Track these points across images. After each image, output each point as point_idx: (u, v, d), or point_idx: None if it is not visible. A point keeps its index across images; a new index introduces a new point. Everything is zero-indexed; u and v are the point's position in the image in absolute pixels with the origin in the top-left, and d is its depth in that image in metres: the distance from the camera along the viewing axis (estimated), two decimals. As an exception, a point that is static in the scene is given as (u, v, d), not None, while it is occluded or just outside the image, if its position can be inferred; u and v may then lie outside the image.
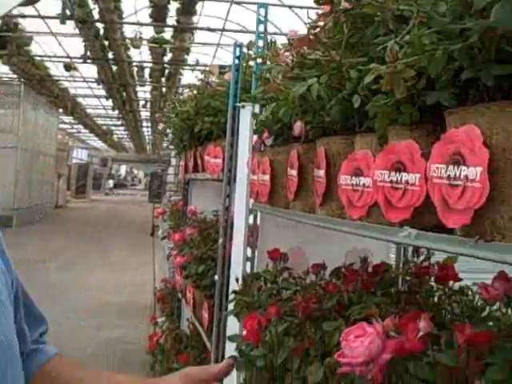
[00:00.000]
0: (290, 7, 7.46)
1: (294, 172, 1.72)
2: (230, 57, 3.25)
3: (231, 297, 2.26)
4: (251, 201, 2.38)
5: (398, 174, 1.07)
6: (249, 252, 2.53)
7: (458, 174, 0.85)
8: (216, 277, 3.04)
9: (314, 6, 1.54)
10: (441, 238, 0.93)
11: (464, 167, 0.84)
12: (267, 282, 2.13)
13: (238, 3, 8.15)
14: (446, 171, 0.87)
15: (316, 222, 1.52)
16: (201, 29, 10.23)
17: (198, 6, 9.94)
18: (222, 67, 4.19)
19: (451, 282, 1.68)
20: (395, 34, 1.19)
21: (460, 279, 1.67)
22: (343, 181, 1.33)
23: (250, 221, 2.51)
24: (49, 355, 1.06)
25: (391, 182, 1.09)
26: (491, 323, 1.51)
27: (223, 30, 9.67)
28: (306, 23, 1.64)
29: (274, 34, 3.05)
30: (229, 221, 3.00)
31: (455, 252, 0.89)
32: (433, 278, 1.79)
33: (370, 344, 0.98)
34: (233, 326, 2.37)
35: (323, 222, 1.47)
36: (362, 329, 1.03)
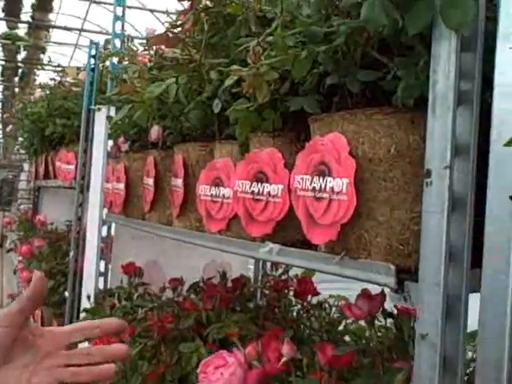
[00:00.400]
0: (152, 11, 7.29)
1: (150, 181, 1.59)
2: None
3: (82, 315, 2.08)
4: (105, 211, 2.22)
5: (259, 185, 0.99)
6: (102, 266, 2.35)
7: (323, 185, 0.78)
8: (66, 293, 2.81)
9: (175, 10, 1.43)
10: (305, 254, 0.86)
11: (330, 178, 0.78)
12: (121, 299, 1.97)
13: (97, 3, 7.80)
14: (310, 183, 0.81)
15: (173, 234, 1.40)
16: (57, 27, 9.69)
17: (56, 3, 9.41)
18: (79, 69, 3.94)
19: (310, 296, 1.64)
20: (257, 36, 1.12)
21: (318, 293, 1.64)
22: (202, 191, 1.23)
23: (104, 232, 2.34)
24: None
25: (252, 193, 1.01)
26: (348, 337, 1.49)
27: (81, 29, 9.22)
28: (164, 22, 1.53)
29: (136, 37, 2.89)
30: (81, 232, 2.79)
31: (320, 270, 0.82)
32: (292, 292, 1.75)
33: (231, 376, 0.88)
34: (83, 346, 2.18)
35: (181, 235, 1.36)
36: (222, 358, 0.93)
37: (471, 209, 0.60)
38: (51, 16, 9.62)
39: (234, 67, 1.07)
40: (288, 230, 0.97)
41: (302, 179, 0.82)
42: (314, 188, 0.79)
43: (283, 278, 1.87)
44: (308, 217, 0.81)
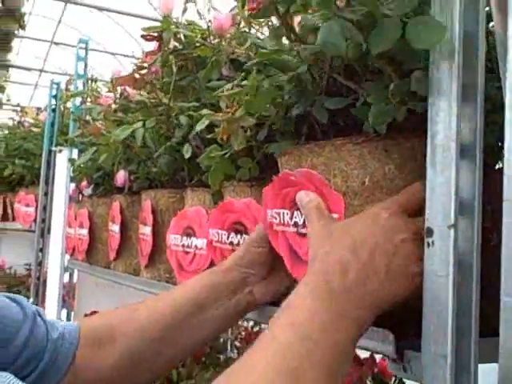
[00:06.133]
0: (114, 54, 7.22)
1: (115, 227, 1.51)
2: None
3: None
4: (67, 257, 2.11)
5: (238, 236, 0.93)
6: (64, 314, 2.23)
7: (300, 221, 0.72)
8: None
9: (142, 51, 1.38)
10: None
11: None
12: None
13: (58, 44, 7.72)
14: (291, 218, 0.75)
15: (141, 286, 1.32)
16: (17, 67, 9.55)
17: (15, 44, 9.27)
18: (40, 109, 3.84)
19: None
20: (231, 80, 1.08)
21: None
22: (172, 241, 1.16)
23: (66, 279, 2.23)
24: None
25: (231, 243, 0.94)
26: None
27: (42, 70, 9.10)
28: (131, 63, 1.47)
29: (99, 80, 2.79)
30: (41, 278, 2.66)
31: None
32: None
33: None
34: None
35: (149, 286, 1.28)
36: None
37: (478, 269, 0.55)
38: (10, 56, 9.48)
39: (205, 111, 1.02)
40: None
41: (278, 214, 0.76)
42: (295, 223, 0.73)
43: (255, 329, 1.80)
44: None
